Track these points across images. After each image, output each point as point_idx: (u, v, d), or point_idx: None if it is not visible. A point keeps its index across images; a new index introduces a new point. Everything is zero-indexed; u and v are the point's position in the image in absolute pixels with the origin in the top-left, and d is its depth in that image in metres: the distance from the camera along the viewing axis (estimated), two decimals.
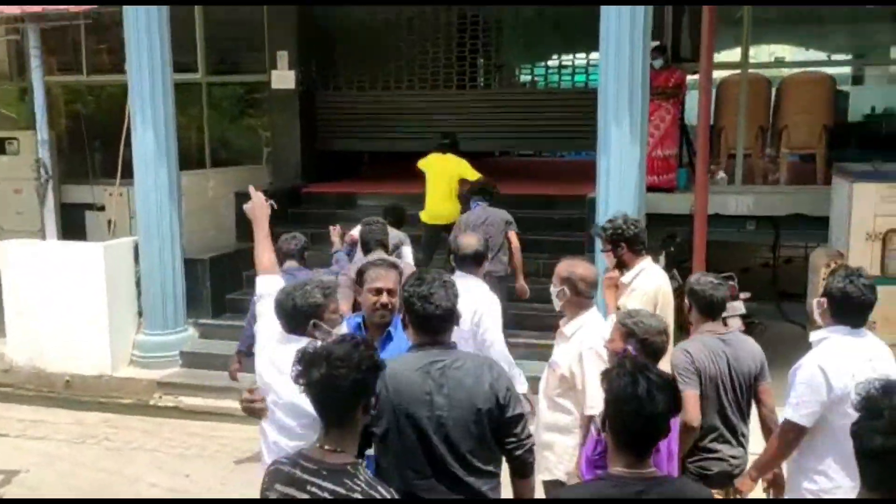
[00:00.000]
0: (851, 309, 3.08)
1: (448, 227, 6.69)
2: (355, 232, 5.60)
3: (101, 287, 6.77)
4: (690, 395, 3.29)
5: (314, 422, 2.36)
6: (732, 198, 7.81)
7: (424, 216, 7.22)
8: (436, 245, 7.17)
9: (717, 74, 9.02)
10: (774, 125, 8.37)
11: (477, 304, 3.85)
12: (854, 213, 5.95)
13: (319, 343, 2.38)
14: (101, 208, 9.58)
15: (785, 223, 7.80)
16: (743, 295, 6.67)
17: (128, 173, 7.44)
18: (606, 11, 5.78)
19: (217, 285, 7.67)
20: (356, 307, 4.07)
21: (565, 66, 10.06)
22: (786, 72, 9.00)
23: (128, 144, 7.22)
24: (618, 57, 5.73)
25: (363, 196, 9.10)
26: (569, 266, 3.58)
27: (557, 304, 3.61)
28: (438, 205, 7.16)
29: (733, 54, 8.82)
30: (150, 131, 6.82)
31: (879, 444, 1.88)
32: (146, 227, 6.99)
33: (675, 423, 2.89)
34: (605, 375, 2.25)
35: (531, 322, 6.61)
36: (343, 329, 3.12)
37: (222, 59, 10.57)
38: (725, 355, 3.46)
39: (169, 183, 6.95)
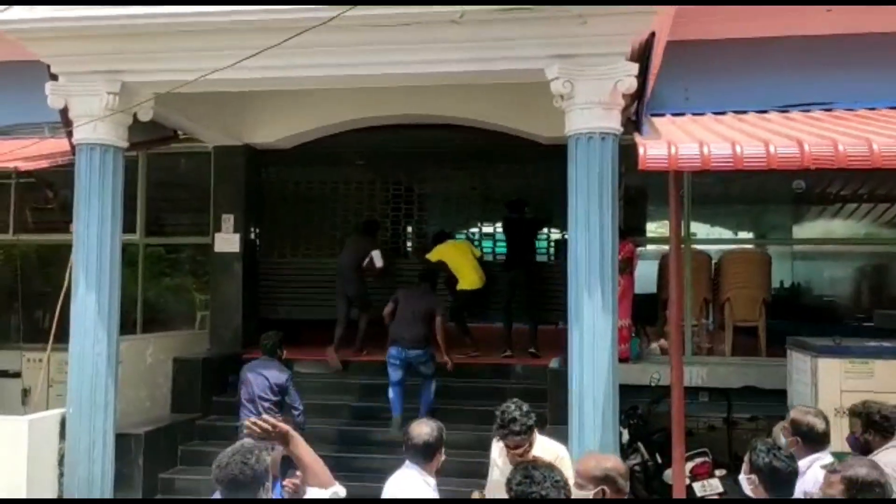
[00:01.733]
0: (781, 481, 3.30)
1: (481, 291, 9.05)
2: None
3: (22, 468, 5.96)
4: None
5: None
6: (686, 369, 7.76)
7: (465, 285, 8.99)
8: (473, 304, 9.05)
9: (660, 248, 9.37)
10: (716, 298, 8.55)
11: None
12: (820, 389, 5.90)
13: None
14: (16, 375, 8.81)
15: (735, 395, 7.78)
16: (718, 472, 6.50)
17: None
18: (573, 189, 5.82)
19: (151, 464, 6.96)
20: None
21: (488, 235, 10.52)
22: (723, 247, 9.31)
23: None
24: (588, 231, 5.71)
25: (303, 363, 8.78)
26: (598, 462, 3.25)
27: None
28: (473, 274, 9.04)
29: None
30: (92, 294, 6.30)
31: None
32: (78, 398, 6.28)
33: None
34: None
35: None
36: None
37: (162, 220, 10.32)
38: None
39: (108, 349, 6.35)
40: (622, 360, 7.49)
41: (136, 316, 9.66)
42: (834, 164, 4.70)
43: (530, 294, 9.06)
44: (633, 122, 6.27)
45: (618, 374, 5.84)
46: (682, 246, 8.21)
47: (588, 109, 5.71)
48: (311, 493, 3.05)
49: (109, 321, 6.39)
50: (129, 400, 7.05)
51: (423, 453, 3.88)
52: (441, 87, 7.28)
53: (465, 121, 8.66)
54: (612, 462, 3.26)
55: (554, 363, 7.74)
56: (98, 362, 6.31)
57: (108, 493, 6.35)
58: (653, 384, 7.30)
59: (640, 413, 7.19)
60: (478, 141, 9.31)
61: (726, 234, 10.25)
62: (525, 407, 4.34)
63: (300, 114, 8.86)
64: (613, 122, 5.74)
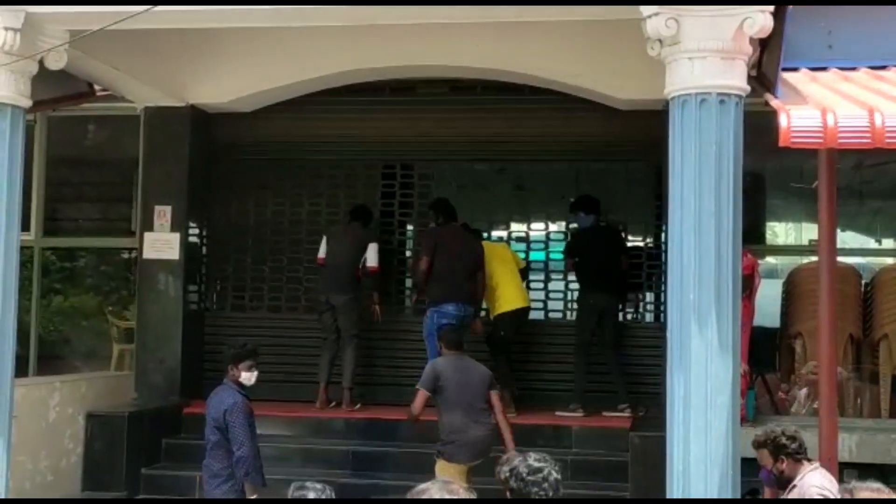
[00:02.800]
0: None
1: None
2: None
3: None
4: None
5: None
6: None
7: (506, 305, 9.00)
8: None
9: (786, 261, 9.34)
10: (868, 334, 8.49)
11: None
12: None
13: None
14: None
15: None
16: None
17: None
18: (676, 174, 5.76)
19: None
20: None
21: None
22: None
23: None
24: (699, 233, 5.64)
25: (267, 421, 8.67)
26: None
27: None
28: (518, 289, 9.17)
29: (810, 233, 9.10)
30: None
31: None
32: None
33: None
34: None
35: None
36: None
37: (66, 213, 10.35)
38: None
39: None
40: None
41: (29, 350, 9.59)
42: None
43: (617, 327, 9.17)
44: (758, 80, 6.22)
45: (739, 442, 5.79)
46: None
47: (701, 60, 5.65)
48: None
49: (1, 358, 6.35)
50: (25, 472, 7.02)
51: None
52: (469, 27, 7.28)
53: (497, 73, 8.65)
54: None
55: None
56: None
57: None
58: None
59: (760, 499, 7.11)
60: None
61: (870, 242, 10.21)
62: None
63: (269, 63, 8.84)
64: (737, 79, 5.68)
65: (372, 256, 9.14)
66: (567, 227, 9.90)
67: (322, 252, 9.20)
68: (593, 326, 9.05)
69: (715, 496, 5.49)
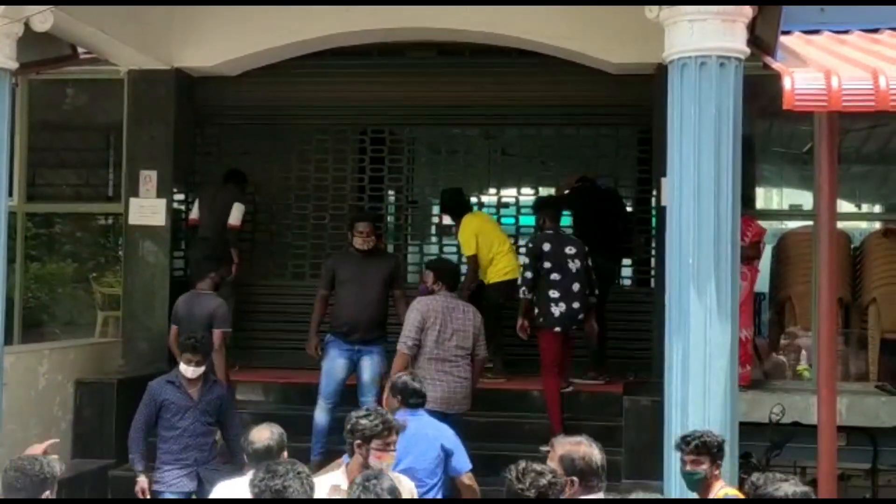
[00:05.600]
0: None
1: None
2: None
3: None
4: None
5: None
6: (813, 400, 7.72)
7: (499, 275, 8.67)
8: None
9: (776, 226, 9.35)
10: (858, 298, 8.52)
11: None
12: None
13: None
14: None
15: (885, 438, 7.78)
16: None
17: None
18: (675, 138, 5.72)
19: None
20: None
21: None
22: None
23: None
24: (698, 198, 5.61)
25: (245, 385, 8.85)
26: None
27: None
28: (513, 258, 8.85)
29: (794, 199, 9.12)
30: None
31: None
32: None
33: None
34: None
35: None
36: None
37: (48, 177, 10.21)
38: None
39: None
40: (743, 386, 7.50)
41: (13, 318, 9.48)
42: None
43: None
44: (753, 42, 6.16)
45: (738, 408, 5.81)
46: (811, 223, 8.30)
47: (701, 22, 5.63)
48: None
49: None
50: (15, 440, 6.87)
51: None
52: None
53: (495, 38, 8.54)
54: None
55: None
56: None
57: None
58: (773, 421, 7.25)
59: (753, 463, 7.13)
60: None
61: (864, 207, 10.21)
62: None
63: (254, 26, 8.71)
64: (737, 41, 5.67)
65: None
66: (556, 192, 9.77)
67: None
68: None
69: None
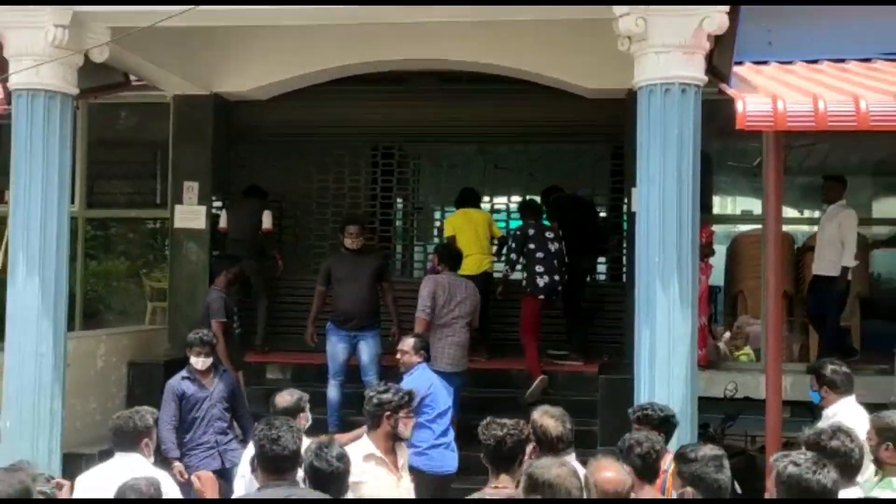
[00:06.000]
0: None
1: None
2: None
3: None
4: None
5: None
6: (762, 378, 7.73)
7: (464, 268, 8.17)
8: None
9: (727, 229, 9.35)
10: (800, 291, 8.52)
11: None
12: None
13: None
14: None
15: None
16: None
17: None
18: (643, 154, 5.72)
19: None
20: None
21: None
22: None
23: None
24: (663, 206, 5.61)
25: (273, 365, 8.87)
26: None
27: None
28: (476, 256, 8.56)
29: (746, 206, 9.11)
30: (35, 280, 6.16)
31: None
32: (18, 409, 6.14)
33: None
34: None
35: None
36: None
37: (105, 188, 10.20)
38: None
39: (54, 349, 6.23)
40: (701, 366, 7.50)
41: (75, 308, 9.47)
42: None
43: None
44: (710, 72, 6.17)
45: (697, 385, 5.81)
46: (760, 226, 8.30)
47: (665, 54, 5.62)
48: None
49: (55, 314, 6.27)
50: (77, 412, 6.96)
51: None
52: (458, 26, 7.17)
53: (489, 68, 8.53)
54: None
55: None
56: (42, 364, 6.18)
57: None
58: (728, 396, 7.26)
59: (711, 433, 7.14)
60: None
61: (806, 212, 10.20)
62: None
63: (282, 57, 8.71)
64: (696, 71, 5.66)
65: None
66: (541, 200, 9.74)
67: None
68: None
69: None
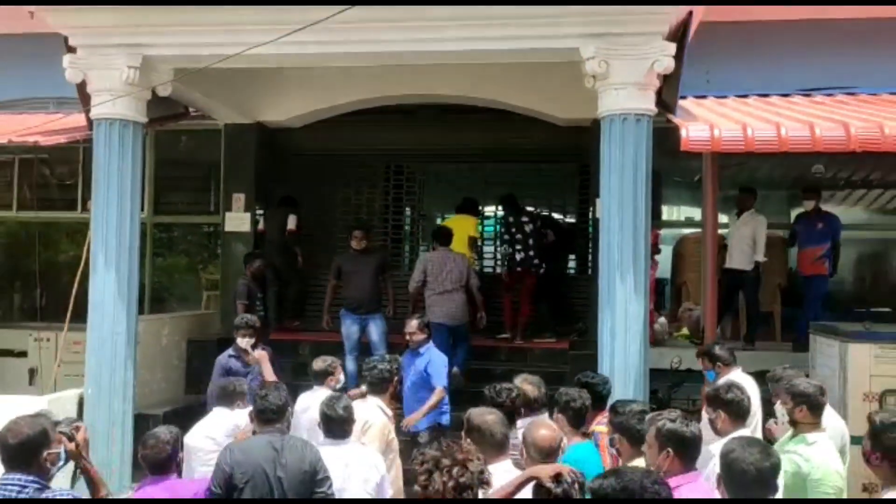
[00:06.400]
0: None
1: None
2: None
3: None
4: None
5: None
6: None
7: None
8: None
9: (674, 232, 9.33)
10: None
11: None
12: (850, 374, 5.87)
13: None
14: (22, 354, 8.62)
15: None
16: None
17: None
18: (606, 171, 5.72)
19: None
20: None
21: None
22: None
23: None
24: (621, 214, 5.62)
25: (303, 343, 8.67)
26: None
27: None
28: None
29: (688, 213, 9.09)
30: (112, 273, 6.16)
31: None
32: (97, 377, 6.15)
33: None
34: None
35: None
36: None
37: (168, 198, 10.15)
38: None
39: (127, 329, 6.23)
40: (652, 343, 7.48)
41: (144, 296, 9.45)
42: (881, 146, 4.62)
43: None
44: (659, 104, 6.17)
45: (649, 358, 5.81)
46: (699, 230, 8.28)
47: (623, 90, 5.62)
48: None
49: (128, 301, 6.27)
50: (145, 381, 6.92)
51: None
52: (457, 67, 7.15)
53: (481, 101, 8.52)
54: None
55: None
56: (117, 342, 6.18)
57: (128, 475, 6.23)
58: (673, 368, 7.25)
59: (660, 397, 7.12)
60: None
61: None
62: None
63: (313, 92, 8.69)
64: (648, 104, 5.66)
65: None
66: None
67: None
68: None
69: (630, 396, 5.47)
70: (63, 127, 7.00)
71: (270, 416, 4.07)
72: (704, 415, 4.38)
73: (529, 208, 9.15)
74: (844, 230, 8.46)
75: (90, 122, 6.33)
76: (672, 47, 5.48)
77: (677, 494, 2.85)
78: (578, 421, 4.31)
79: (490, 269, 9.80)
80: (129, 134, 6.26)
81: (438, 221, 10.27)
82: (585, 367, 7.07)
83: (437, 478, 2.60)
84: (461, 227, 8.71)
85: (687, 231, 9.09)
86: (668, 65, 5.47)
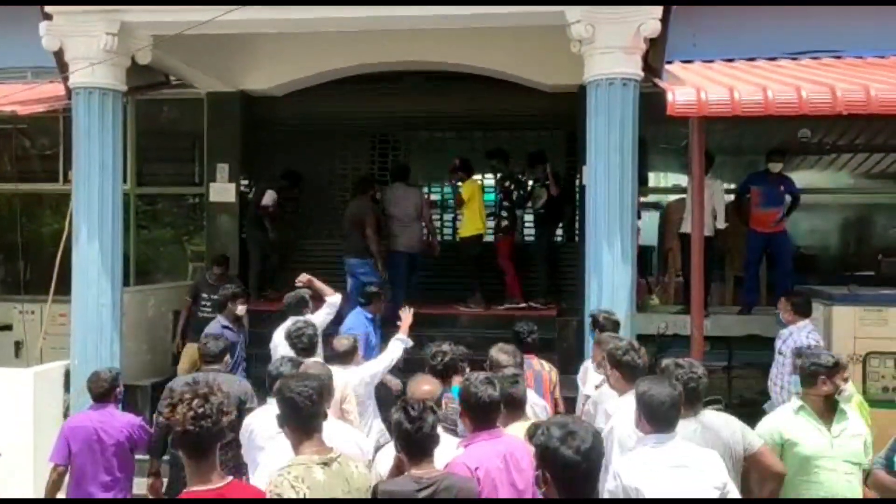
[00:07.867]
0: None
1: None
2: None
3: (28, 421, 5.79)
4: None
5: None
6: (688, 319, 7.75)
7: (474, 230, 8.41)
8: None
9: (660, 198, 9.33)
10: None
11: None
12: (834, 336, 5.92)
13: None
14: (7, 328, 8.58)
15: (737, 345, 7.81)
16: None
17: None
18: (592, 137, 5.68)
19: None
20: None
21: None
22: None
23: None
24: (608, 180, 5.61)
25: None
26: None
27: None
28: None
29: (675, 179, 9.08)
30: (95, 244, 6.10)
31: None
32: (83, 349, 6.13)
33: None
34: None
35: None
36: None
37: (151, 169, 10.03)
38: None
39: (112, 301, 6.19)
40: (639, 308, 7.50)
41: (129, 267, 9.37)
42: (867, 108, 4.61)
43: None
44: (645, 69, 6.12)
45: (636, 325, 5.83)
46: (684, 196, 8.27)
47: (609, 54, 5.58)
48: None
49: (112, 272, 6.23)
50: (132, 352, 6.89)
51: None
52: (440, 32, 7.07)
53: (466, 68, 8.43)
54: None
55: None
56: (102, 313, 6.15)
57: None
58: (659, 333, 7.29)
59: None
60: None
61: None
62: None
63: (296, 60, 8.57)
64: (634, 68, 5.62)
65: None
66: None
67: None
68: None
69: None
70: (41, 96, 6.89)
71: (208, 358, 5.01)
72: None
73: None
74: (829, 194, 8.47)
75: (69, 90, 6.24)
76: (658, 10, 5.43)
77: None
78: (448, 373, 4.40)
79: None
80: (109, 103, 6.17)
81: (426, 190, 10.22)
82: (571, 334, 7.24)
83: (179, 409, 2.65)
84: (477, 200, 8.56)
85: (673, 197, 9.08)
86: (654, 28, 5.43)
